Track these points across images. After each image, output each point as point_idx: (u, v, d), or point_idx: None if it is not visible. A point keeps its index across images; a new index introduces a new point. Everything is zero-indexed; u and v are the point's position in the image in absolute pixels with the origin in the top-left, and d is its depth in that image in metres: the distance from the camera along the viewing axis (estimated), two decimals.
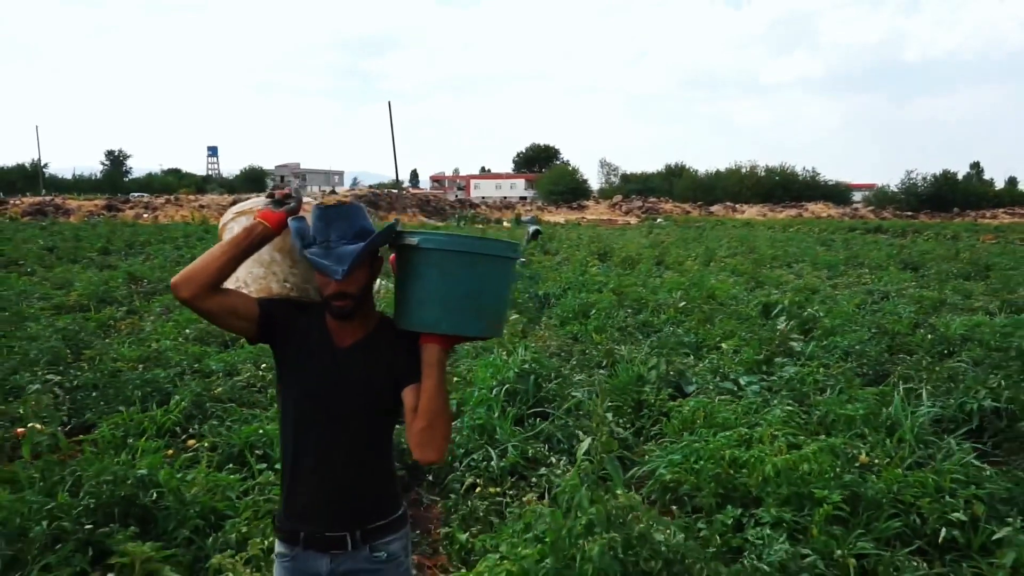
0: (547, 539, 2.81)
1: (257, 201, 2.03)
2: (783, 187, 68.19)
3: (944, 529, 3.48)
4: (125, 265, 16.45)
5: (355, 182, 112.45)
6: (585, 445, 3.09)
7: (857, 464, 4.18)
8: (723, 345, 7.42)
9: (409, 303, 1.89)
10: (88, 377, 6.23)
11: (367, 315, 1.99)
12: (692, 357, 7.21)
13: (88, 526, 3.39)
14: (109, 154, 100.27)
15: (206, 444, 4.74)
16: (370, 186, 70.95)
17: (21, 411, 5.58)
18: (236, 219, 2.02)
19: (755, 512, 3.60)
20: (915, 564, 3.27)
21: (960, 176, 64.21)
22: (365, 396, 1.95)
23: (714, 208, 60.16)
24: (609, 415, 4.39)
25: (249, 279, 2.01)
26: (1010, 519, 3.37)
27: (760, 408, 5.11)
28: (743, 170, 73.12)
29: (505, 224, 41.04)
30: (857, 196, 72.90)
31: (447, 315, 1.84)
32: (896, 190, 61.91)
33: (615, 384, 5.89)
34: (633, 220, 50.24)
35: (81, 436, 4.87)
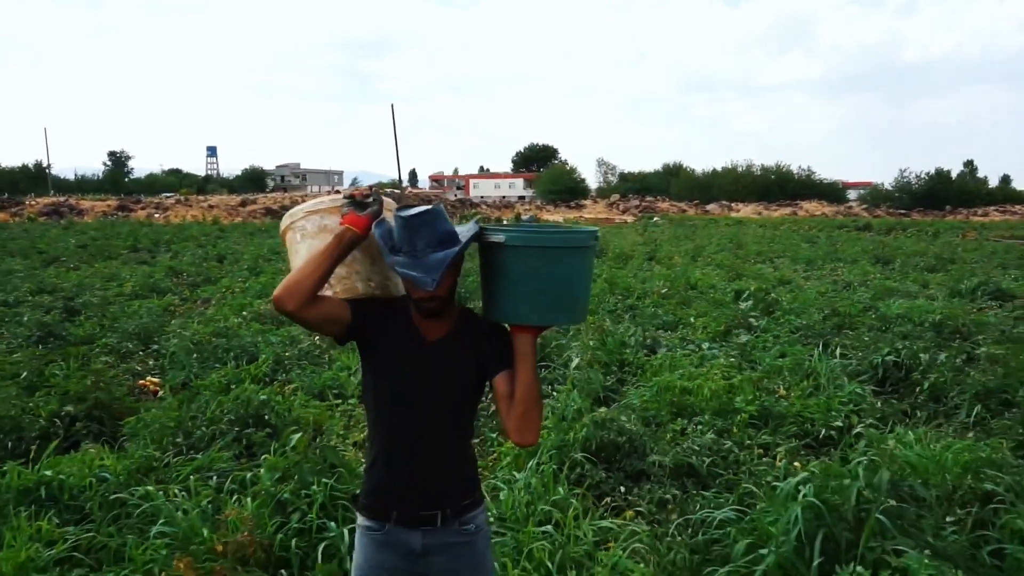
0: (551, 424, 4.33)
1: (332, 200, 2.04)
2: (779, 186, 69.26)
3: (824, 430, 5.03)
4: (162, 261, 18.02)
5: (355, 182, 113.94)
6: (576, 360, 4.62)
7: (776, 395, 5.73)
8: (693, 320, 8.96)
9: (499, 298, 1.97)
10: (180, 345, 7.76)
11: (451, 308, 2.07)
12: (668, 332, 8.76)
13: (236, 428, 4.93)
14: (111, 154, 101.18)
15: (294, 387, 6.28)
16: (372, 186, 72.33)
17: (139, 367, 7.14)
18: (307, 217, 2.03)
19: (696, 419, 5.14)
20: (800, 450, 4.80)
21: (954, 175, 65.09)
22: (454, 387, 2.06)
23: (710, 207, 61.42)
24: (591, 342, 5.90)
25: (333, 279, 2.03)
26: (869, 419, 4.91)
27: (711, 359, 6.66)
28: (739, 169, 74.59)
29: (505, 223, 42.54)
30: (853, 194, 74.11)
31: (537, 308, 1.92)
32: (890, 188, 62.98)
33: (603, 349, 7.42)
34: (630, 219, 51.56)
35: (196, 382, 6.39)
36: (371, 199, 1.98)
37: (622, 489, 4.10)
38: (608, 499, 4.03)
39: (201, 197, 52.85)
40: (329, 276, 1.96)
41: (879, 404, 5.84)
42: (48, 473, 3.80)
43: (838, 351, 7.10)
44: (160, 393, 6.48)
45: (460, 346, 2.06)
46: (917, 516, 3.35)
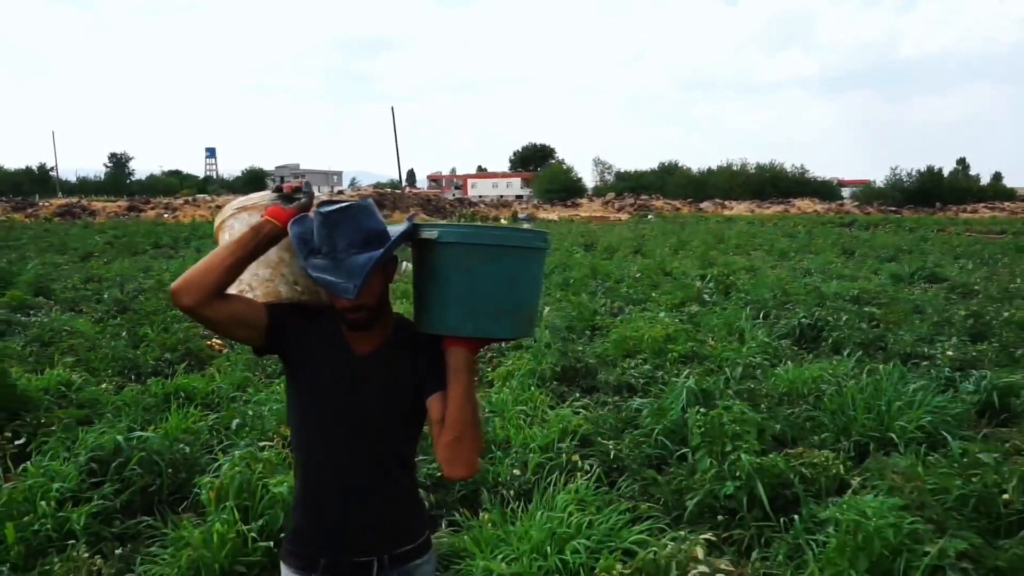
0: (528, 355, 6.06)
1: (261, 196, 1.86)
2: (772, 184, 70.50)
3: (740, 368, 6.77)
4: (189, 256, 19.77)
5: (354, 182, 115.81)
6: (547, 310, 6.33)
7: (707, 345, 7.48)
8: (655, 296, 10.71)
9: (430, 304, 1.73)
10: None
11: (385, 318, 1.84)
12: (635, 306, 10.50)
13: None
14: (112, 156, 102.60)
15: None
16: (372, 186, 74.29)
17: (204, 332, 8.87)
18: (236, 215, 1.84)
19: (639, 357, 6.89)
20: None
21: (946, 172, 66.44)
22: (388, 407, 1.82)
23: (704, 205, 62.91)
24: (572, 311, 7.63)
25: (255, 282, 1.83)
26: (759, 356, 6.66)
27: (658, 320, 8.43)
28: (734, 168, 76.16)
29: (502, 221, 44.32)
30: (847, 192, 75.63)
31: (473, 316, 1.68)
32: (882, 186, 64.44)
33: (579, 317, 9.16)
34: (625, 217, 53.19)
35: None
36: (300, 192, 1.81)
37: (577, 395, 5.85)
38: (566, 402, 5.77)
39: (208, 197, 54.71)
40: (240, 271, 1.73)
41: (786, 351, 7.59)
42: (184, 381, 5.56)
43: (764, 317, 8.84)
44: (225, 351, 8.22)
45: (395, 360, 1.83)
46: (768, 402, 5.11)
